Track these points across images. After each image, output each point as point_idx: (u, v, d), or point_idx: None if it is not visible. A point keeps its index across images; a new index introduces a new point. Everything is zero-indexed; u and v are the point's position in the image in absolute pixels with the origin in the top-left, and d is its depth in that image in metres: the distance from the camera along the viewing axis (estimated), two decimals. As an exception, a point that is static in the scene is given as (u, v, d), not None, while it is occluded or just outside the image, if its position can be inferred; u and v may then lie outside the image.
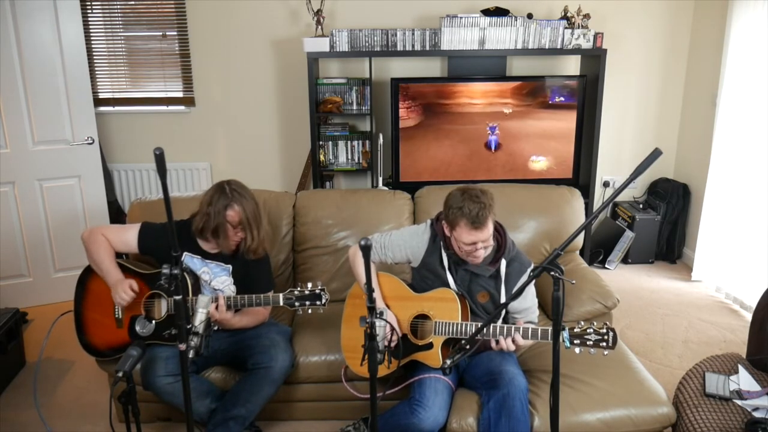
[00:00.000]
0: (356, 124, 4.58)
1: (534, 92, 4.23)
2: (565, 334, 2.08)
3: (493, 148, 4.29)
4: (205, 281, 2.61)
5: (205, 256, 2.62)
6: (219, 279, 2.62)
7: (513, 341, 2.23)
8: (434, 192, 3.22)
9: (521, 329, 2.22)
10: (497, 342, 2.25)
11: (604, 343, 2.06)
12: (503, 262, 2.39)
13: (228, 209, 2.47)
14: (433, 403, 2.27)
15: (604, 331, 2.07)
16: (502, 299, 2.39)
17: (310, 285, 2.44)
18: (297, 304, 2.43)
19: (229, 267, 2.63)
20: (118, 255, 2.64)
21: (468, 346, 2.00)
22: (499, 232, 2.41)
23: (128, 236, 2.60)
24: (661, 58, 4.60)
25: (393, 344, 2.28)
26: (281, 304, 2.44)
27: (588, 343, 2.08)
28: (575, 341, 2.09)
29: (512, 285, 2.40)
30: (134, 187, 4.67)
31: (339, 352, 2.62)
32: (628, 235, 4.54)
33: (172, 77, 4.59)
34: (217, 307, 2.44)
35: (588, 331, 2.08)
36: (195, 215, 2.59)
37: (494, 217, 2.29)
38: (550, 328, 2.15)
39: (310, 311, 2.44)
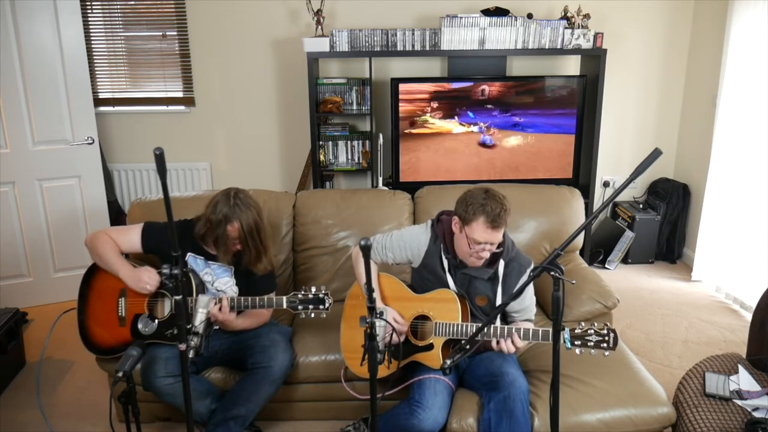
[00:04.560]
0: (356, 124, 4.58)
1: (534, 92, 4.23)
2: (566, 335, 2.09)
3: (488, 145, 4.29)
4: (207, 282, 2.61)
5: (208, 257, 2.62)
6: (221, 280, 2.63)
7: (512, 342, 2.24)
8: (434, 192, 3.22)
9: (521, 330, 2.23)
10: (497, 342, 2.25)
11: (605, 344, 2.07)
12: (501, 264, 2.39)
13: (228, 224, 2.46)
14: (433, 403, 2.27)
15: (605, 332, 2.07)
16: (499, 301, 2.39)
17: (314, 289, 2.44)
18: (300, 307, 2.43)
19: (232, 268, 2.64)
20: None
21: (468, 347, 2.00)
22: None
23: (131, 236, 2.61)
24: (661, 58, 4.60)
25: (393, 340, 2.28)
26: (285, 306, 2.44)
27: (589, 344, 2.08)
28: (576, 342, 2.09)
29: (509, 285, 2.39)
30: (134, 187, 4.67)
31: (339, 353, 2.62)
32: (628, 235, 4.54)
33: (172, 77, 4.59)
34: (220, 309, 2.44)
35: (589, 332, 2.08)
36: (200, 218, 2.58)
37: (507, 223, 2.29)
38: (550, 329, 2.15)
39: (312, 315, 2.44)
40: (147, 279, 2.49)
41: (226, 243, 2.50)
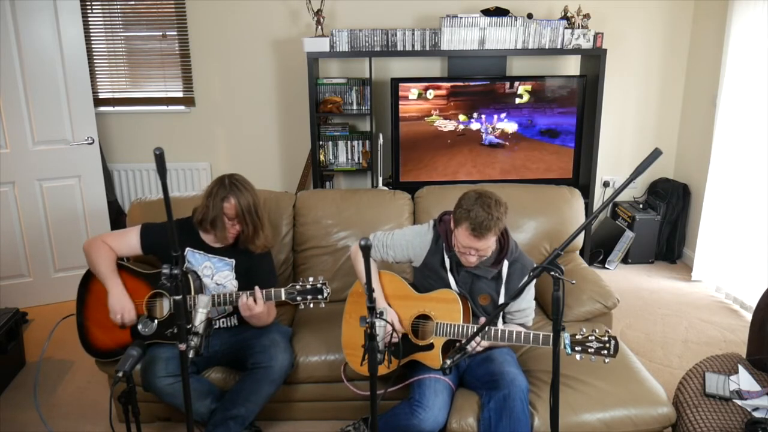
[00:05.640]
0: (356, 124, 4.58)
1: (534, 92, 4.23)
2: (566, 340, 2.08)
3: (488, 145, 4.29)
4: (207, 276, 2.61)
5: (208, 250, 2.63)
6: (221, 274, 2.63)
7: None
8: (434, 192, 3.23)
9: (522, 334, 2.22)
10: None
11: (606, 351, 2.05)
12: (505, 264, 2.39)
13: (224, 201, 2.49)
14: (433, 403, 2.27)
15: (606, 338, 2.05)
16: (501, 300, 2.39)
17: (311, 279, 2.44)
18: (299, 298, 2.43)
19: (232, 262, 2.64)
20: (121, 259, 2.64)
21: (467, 347, 2.00)
22: (503, 234, 2.41)
23: (129, 239, 2.61)
24: (661, 58, 4.60)
25: (393, 341, 2.28)
26: (283, 298, 2.44)
27: (589, 350, 2.06)
28: (577, 348, 2.08)
29: (513, 286, 2.40)
30: (134, 187, 4.67)
31: (339, 352, 2.62)
32: (628, 235, 4.54)
33: (172, 77, 4.59)
34: (255, 300, 2.44)
35: (590, 338, 2.07)
36: (197, 208, 2.60)
37: (499, 231, 2.28)
38: (550, 333, 2.15)
39: (311, 306, 2.44)
40: (126, 313, 2.51)
41: (224, 223, 2.51)
